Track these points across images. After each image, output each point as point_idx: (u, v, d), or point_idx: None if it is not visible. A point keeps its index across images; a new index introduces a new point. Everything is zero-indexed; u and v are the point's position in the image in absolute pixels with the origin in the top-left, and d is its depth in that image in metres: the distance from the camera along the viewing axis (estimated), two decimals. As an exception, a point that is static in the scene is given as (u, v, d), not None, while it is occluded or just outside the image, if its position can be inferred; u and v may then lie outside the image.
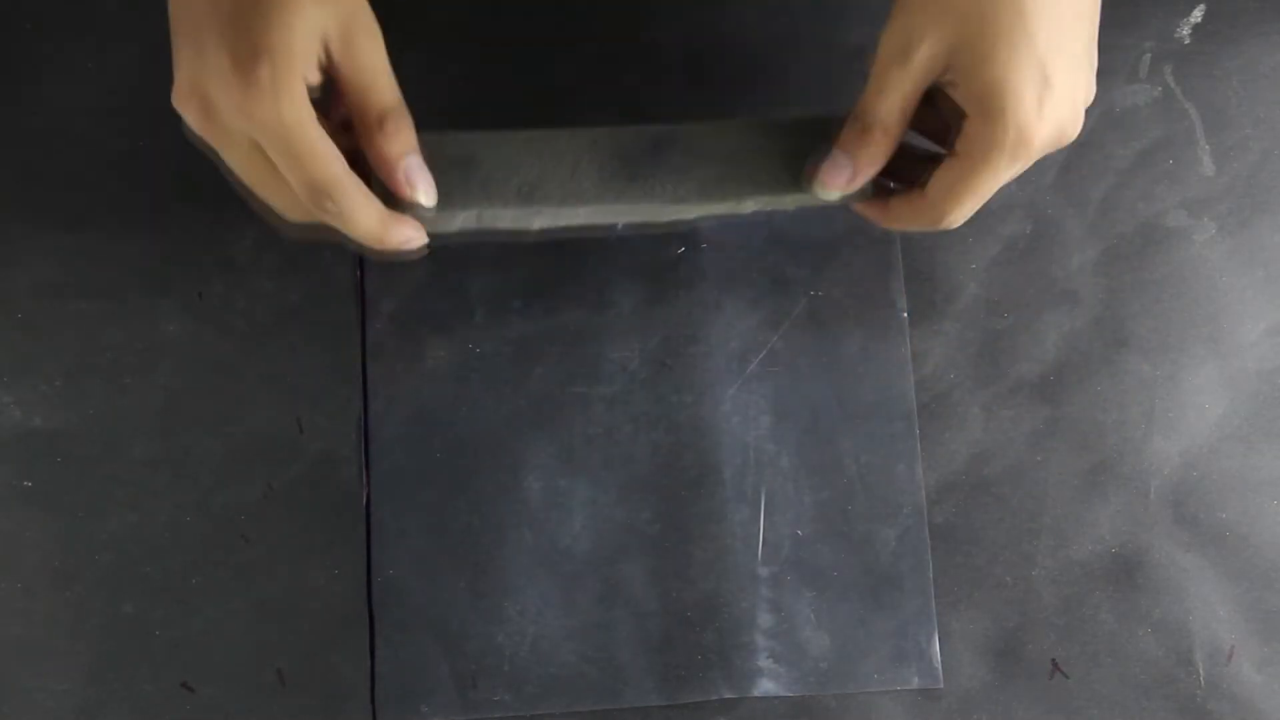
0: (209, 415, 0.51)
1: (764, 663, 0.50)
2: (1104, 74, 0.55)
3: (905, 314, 0.53)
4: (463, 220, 0.46)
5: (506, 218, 0.46)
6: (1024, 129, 0.41)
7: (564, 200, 0.46)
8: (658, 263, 0.52)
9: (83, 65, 0.54)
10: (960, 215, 0.45)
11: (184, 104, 0.42)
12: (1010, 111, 0.41)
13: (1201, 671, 0.50)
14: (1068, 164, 0.54)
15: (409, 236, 0.45)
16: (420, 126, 0.48)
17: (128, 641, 0.50)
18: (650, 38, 0.55)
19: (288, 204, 0.44)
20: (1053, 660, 0.50)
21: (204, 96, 0.41)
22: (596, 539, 0.51)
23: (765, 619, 0.50)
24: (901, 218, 0.46)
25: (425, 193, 0.44)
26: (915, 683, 0.50)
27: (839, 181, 0.45)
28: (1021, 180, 0.53)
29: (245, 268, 0.52)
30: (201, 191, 0.53)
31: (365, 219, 0.43)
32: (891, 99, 0.43)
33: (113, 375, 0.51)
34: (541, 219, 0.46)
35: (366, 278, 0.52)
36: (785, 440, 0.51)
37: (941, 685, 0.50)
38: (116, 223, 0.53)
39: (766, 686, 0.50)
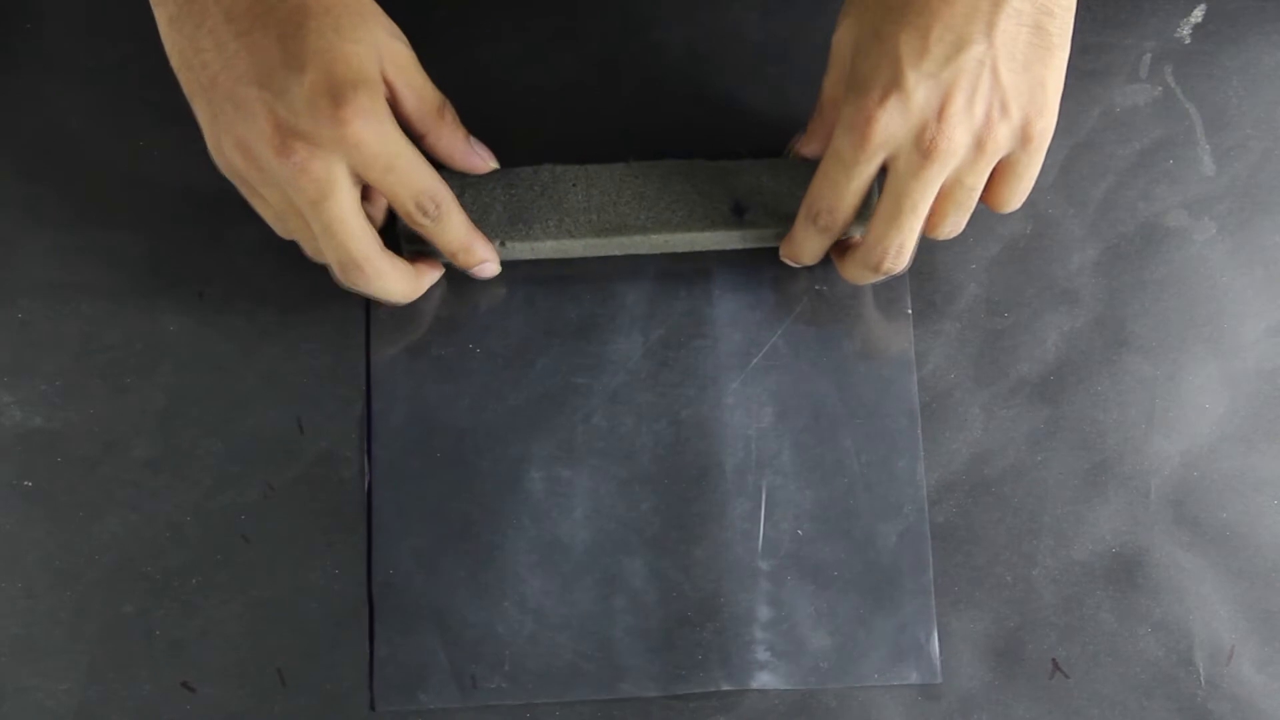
0: (209, 415, 0.51)
1: (763, 656, 0.50)
2: (1104, 74, 0.55)
3: (909, 310, 0.53)
4: (522, 250, 0.52)
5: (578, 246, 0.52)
6: (861, 112, 0.44)
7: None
8: (662, 256, 0.52)
9: (83, 65, 0.54)
10: (828, 212, 0.47)
11: (231, 155, 0.44)
12: (855, 95, 0.44)
13: (1201, 671, 0.50)
14: (1068, 164, 0.54)
15: (489, 254, 0.50)
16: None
17: (128, 641, 0.49)
18: (651, 38, 0.55)
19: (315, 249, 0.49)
20: (1053, 660, 0.50)
21: (253, 156, 0.44)
22: (597, 531, 0.51)
23: (765, 613, 0.50)
24: (795, 237, 0.50)
25: (493, 158, 0.51)
26: (914, 678, 0.50)
27: (796, 142, 0.51)
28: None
29: (245, 268, 0.52)
30: (201, 191, 0.53)
31: (458, 226, 0.48)
32: (828, 77, 0.48)
33: (113, 375, 0.51)
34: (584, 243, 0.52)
35: None
36: (787, 435, 0.52)
37: (940, 681, 0.50)
38: (116, 223, 0.53)
39: (764, 679, 0.50)
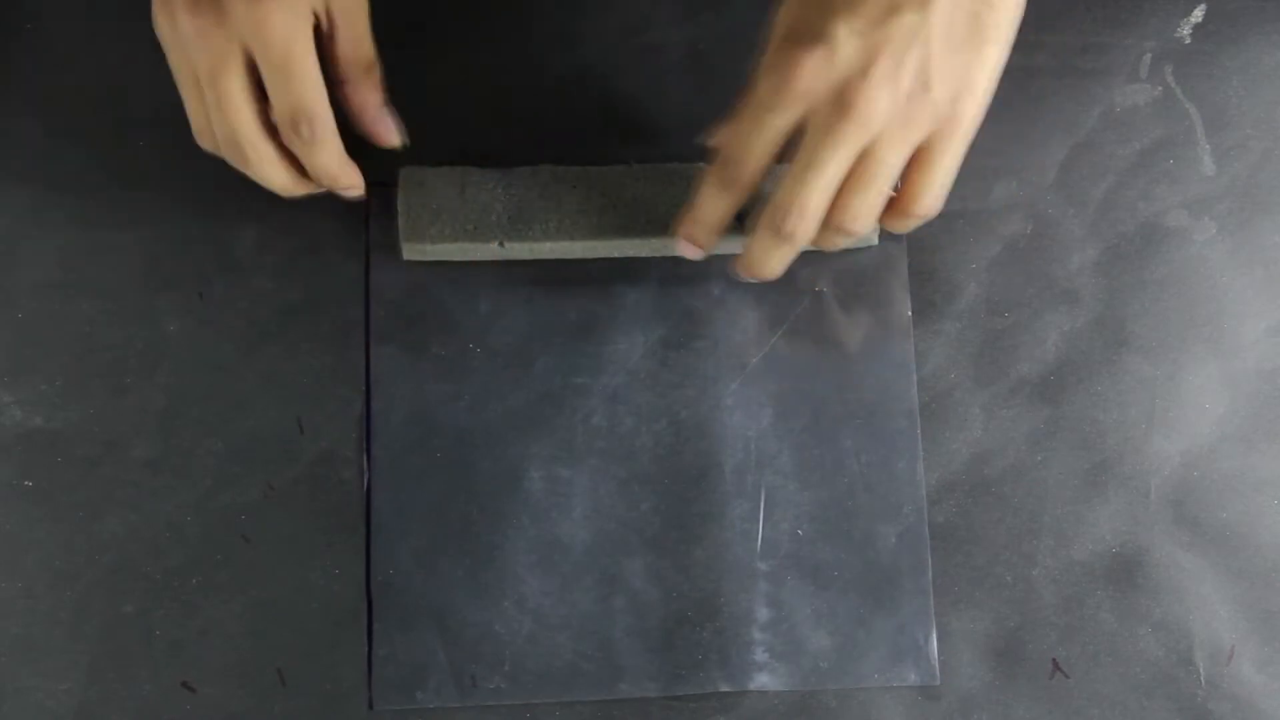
0: (209, 415, 0.51)
1: (761, 657, 0.50)
2: (1104, 74, 0.55)
3: (909, 311, 0.53)
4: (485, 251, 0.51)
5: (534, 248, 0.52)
6: (785, 58, 0.43)
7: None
8: (661, 257, 0.52)
9: (83, 65, 0.54)
10: (735, 163, 0.45)
11: (158, 11, 0.45)
12: (781, 42, 0.43)
13: (1201, 671, 0.50)
14: (1068, 164, 0.54)
15: (356, 182, 0.49)
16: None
17: (128, 641, 0.50)
18: (651, 38, 0.55)
19: (231, 136, 0.47)
20: (1053, 660, 0.50)
21: (170, 12, 0.44)
22: (596, 531, 0.51)
23: (763, 614, 0.50)
24: (699, 205, 0.48)
25: (401, 135, 0.49)
26: (912, 679, 0.50)
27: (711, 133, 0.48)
28: (1021, 180, 0.54)
29: (245, 268, 0.52)
30: (201, 191, 0.53)
31: (329, 155, 0.47)
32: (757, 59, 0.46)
33: (113, 375, 0.51)
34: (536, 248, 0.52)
35: (372, 271, 0.52)
36: (787, 436, 0.52)
37: (938, 682, 0.50)
38: (116, 223, 0.53)
39: (763, 681, 0.50)
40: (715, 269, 0.53)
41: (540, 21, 0.55)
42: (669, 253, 0.52)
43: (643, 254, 0.52)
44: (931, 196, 0.46)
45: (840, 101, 0.43)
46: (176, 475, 0.51)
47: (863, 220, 0.46)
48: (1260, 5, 0.55)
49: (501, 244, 0.51)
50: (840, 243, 0.48)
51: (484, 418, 0.51)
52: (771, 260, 0.48)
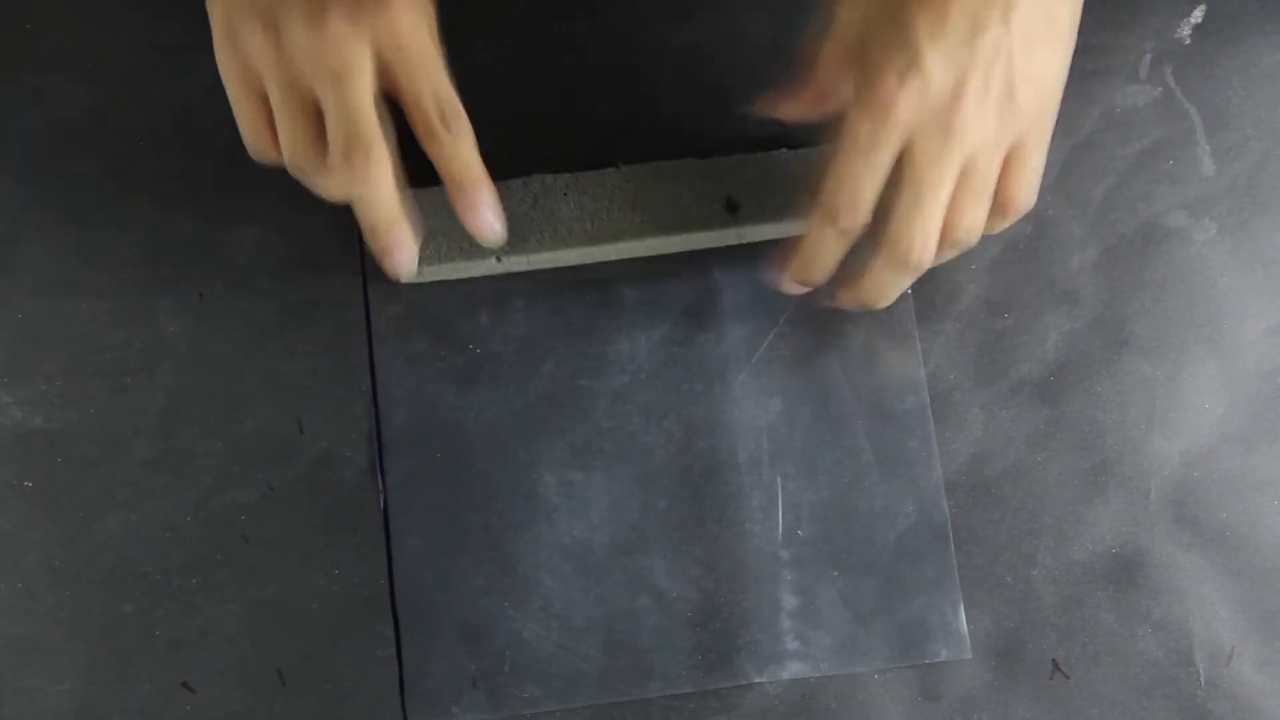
0: (209, 415, 0.51)
1: (792, 645, 0.50)
2: (1104, 74, 0.55)
3: (909, 290, 0.52)
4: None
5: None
6: (879, 95, 0.43)
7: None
8: (660, 255, 0.52)
9: (83, 65, 0.54)
10: (849, 208, 0.45)
11: (249, 37, 0.44)
12: (871, 78, 0.43)
13: (1201, 671, 0.50)
14: (1068, 164, 0.54)
15: (407, 232, 0.48)
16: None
17: (128, 641, 0.49)
18: (651, 38, 0.55)
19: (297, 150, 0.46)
20: (1053, 660, 0.50)
21: (276, 32, 0.43)
22: (615, 531, 0.50)
23: (790, 602, 0.50)
24: (808, 247, 0.48)
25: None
26: (944, 655, 0.50)
27: (767, 102, 0.50)
28: (1022, 180, 0.54)
29: (245, 268, 0.52)
30: (202, 192, 0.53)
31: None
32: (827, 46, 0.47)
33: (113, 375, 0.51)
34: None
35: (370, 281, 0.52)
36: (798, 424, 0.51)
37: (969, 656, 0.50)
38: (116, 223, 0.53)
39: (795, 668, 0.50)
40: (713, 262, 0.53)
41: (540, 21, 0.55)
42: (665, 250, 0.52)
43: (638, 254, 0.52)
44: (1030, 191, 0.47)
45: (940, 126, 0.43)
46: (176, 475, 0.51)
47: (976, 231, 0.47)
48: (1260, 5, 0.56)
49: (499, 259, 0.51)
50: (950, 255, 0.48)
51: (491, 425, 0.51)
52: (893, 290, 0.49)
